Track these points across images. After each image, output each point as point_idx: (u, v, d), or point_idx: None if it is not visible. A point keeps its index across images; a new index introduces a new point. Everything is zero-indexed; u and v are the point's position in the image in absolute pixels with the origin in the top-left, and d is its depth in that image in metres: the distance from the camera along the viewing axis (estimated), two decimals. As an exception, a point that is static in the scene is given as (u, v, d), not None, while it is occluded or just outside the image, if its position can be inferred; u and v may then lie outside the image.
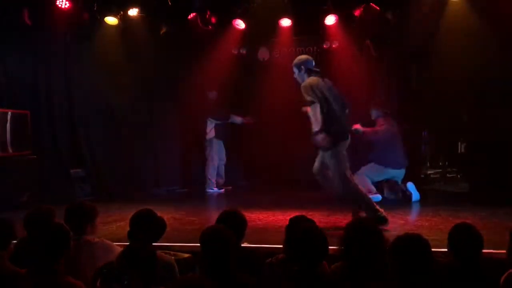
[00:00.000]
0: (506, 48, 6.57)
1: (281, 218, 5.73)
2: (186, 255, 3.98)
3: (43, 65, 7.60)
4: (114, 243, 3.69)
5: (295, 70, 5.43)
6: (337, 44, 8.03)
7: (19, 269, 2.90)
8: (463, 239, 2.88)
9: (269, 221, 5.75)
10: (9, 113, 6.82)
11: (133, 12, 7.53)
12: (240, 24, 7.93)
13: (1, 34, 7.09)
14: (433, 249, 2.60)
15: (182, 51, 8.33)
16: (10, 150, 6.78)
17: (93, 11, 7.49)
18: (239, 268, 2.91)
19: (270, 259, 3.27)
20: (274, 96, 8.28)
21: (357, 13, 7.35)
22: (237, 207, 3.88)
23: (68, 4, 7.16)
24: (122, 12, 7.59)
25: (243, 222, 3.53)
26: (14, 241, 3.39)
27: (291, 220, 3.43)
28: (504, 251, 2.94)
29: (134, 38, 7.84)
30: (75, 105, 7.87)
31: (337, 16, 7.58)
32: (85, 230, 3.54)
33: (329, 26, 7.80)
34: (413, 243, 2.54)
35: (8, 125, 6.75)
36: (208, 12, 7.65)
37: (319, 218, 5.42)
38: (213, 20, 7.74)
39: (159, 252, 3.31)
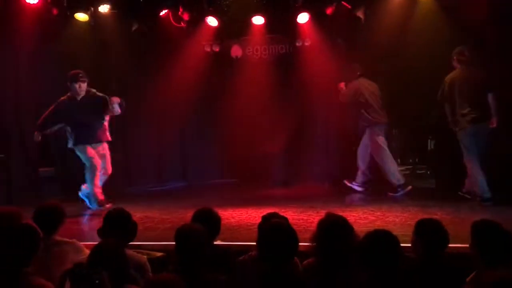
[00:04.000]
0: (473, 46, 6.70)
1: (255, 215, 5.74)
2: (159, 254, 3.96)
3: (10, 62, 7.42)
4: (84, 243, 3.65)
5: None
6: (309, 42, 8.07)
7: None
8: (429, 234, 2.95)
9: (242, 218, 5.76)
10: (-25, 111, 6.66)
11: (104, 8, 7.42)
12: (213, 21, 7.90)
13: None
14: (403, 245, 2.65)
15: (154, 48, 8.26)
16: (-23, 150, 6.63)
17: (63, 7, 7.34)
18: (212, 266, 2.92)
19: (242, 256, 3.28)
20: (246, 93, 8.28)
21: (329, 11, 7.42)
22: (211, 204, 3.88)
23: (36, -1, 7.01)
24: (92, 8, 7.47)
25: (217, 220, 3.53)
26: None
27: (263, 217, 3.44)
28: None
29: (105, 35, 7.73)
30: (43, 103, 7.70)
31: (309, 14, 7.62)
32: (54, 230, 3.49)
33: (302, 24, 7.83)
34: (382, 239, 2.58)
35: (-26, 123, 6.58)
36: (181, 9, 7.60)
37: (292, 215, 5.45)
38: (186, 17, 7.70)
39: (131, 251, 3.29)
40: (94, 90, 6.61)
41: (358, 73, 7.37)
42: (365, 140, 7.36)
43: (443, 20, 6.98)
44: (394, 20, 7.30)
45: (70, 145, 6.57)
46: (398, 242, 2.57)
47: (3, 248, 2.88)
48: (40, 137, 6.54)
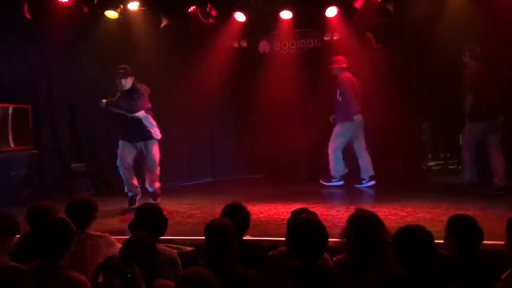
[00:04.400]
0: (506, 39, 6.54)
1: (283, 211, 5.74)
2: (189, 248, 4.00)
3: (43, 60, 7.58)
4: (115, 237, 3.71)
5: None
6: (338, 36, 8.00)
7: (21, 265, 2.90)
8: (463, 231, 2.88)
9: (271, 214, 5.76)
10: (11, 108, 6.82)
11: (133, 5, 7.50)
12: (241, 16, 7.90)
13: (2, 29, 7.08)
14: (435, 241, 2.60)
15: (183, 45, 8.31)
16: (12, 145, 6.79)
17: (93, 5, 7.46)
18: (242, 261, 2.93)
19: (272, 252, 3.28)
20: (274, 89, 8.26)
21: (358, 4, 7.32)
22: (239, 200, 3.89)
23: (67, -2, 7.14)
24: (122, 6, 7.56)
25: (246, 215, 3.54)
26: (18, 236, 3.40)
27: (293, 212, 3.43)
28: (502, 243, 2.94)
29: (134, 31, 7.82)
30: (75, 99, 7.86)
31: (338, 8, 7.55)
32: (87, 224, 3.56)
33: (330, 18, 7.76)
34: (415, 234, 2.54)
35: (9, 120, 6.74)
36: (209, 5, 7.62)
37: (321, 210, 5.40)
38: (214, 13, 7.71)
39: (162, 245, 3.33)
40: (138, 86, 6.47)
41: (344, 66, 7.43)
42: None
43: (475, 11, 6.82)
44: (424, 12, 7.18)
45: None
46: (432, 238, 2.52)
47: (38, 242, 2.96)
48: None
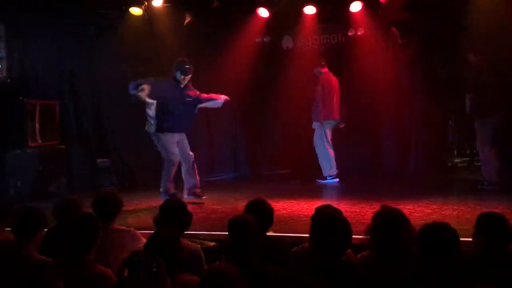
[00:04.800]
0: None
1: (306, 207, 5.72)
2: (212, 244, 4.02)
3: (69, 57, 7.70)
4: (140, 231, 3.75)
5: None
6: (362, 32, 7.93)
7: (47, 259, 2.96)
8: (492, 229, 2.83)
9: (294, 210, 5.74)
10: (38, 104, 6.94)
11: (157, 2, 7.57)
12: (264, 12, 7.89)
13: (29, 27, 7.21)
14: (461, 239, 2.56)
15: (206, 41, 8.34)
16: (39, 140, 6.91)
17: (118, 2, 7.54)
18: (265, 257, 2.93)
19: (295, 248, 3.28)
20: (298, 85, 8.24)
21: (382, -1, 7.26)
22: (262, 196, 3.89)
23: (93, -5, 7.24)
24: (146, 3, 7.63)
25: (270, 211, 3.54)
26: (45, 229, 3.46)
27: (317, 209, 3.42)
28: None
29: (158, 28, 7.88)
30: (100, 96, 7.97)
31: (362, 3, 7.48)
32: (113, 219, 3.60)
33: (354, 13, 7.70)
34: (441, 232, 2.50)
35: (37, 116, 6.87)
36: (232, 1, 7.63)
37: (344, 207, 5.38)
38: (237, 9, 7.72)
39: (186, 240, 3.35)
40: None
41: (323, 63, 7.56)
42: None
43: (504, 6, 6.68)
44: (451, 7, 7.06)
45: (152, 129, 6.34)
46: (457, 236, 2.48)
47: (65, 236, 3.01)
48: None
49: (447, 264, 2.41)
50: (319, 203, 3.89)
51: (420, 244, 2.49)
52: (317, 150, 7.65)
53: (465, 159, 8.38)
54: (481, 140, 6.51)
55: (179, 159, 6.31)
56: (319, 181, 7.58)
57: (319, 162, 7.63)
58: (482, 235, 2.82)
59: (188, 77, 6.34)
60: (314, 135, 7.68)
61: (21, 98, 6.79)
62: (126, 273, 2.52)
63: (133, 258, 2.51)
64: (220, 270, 2.33)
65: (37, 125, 6.85)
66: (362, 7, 7.55)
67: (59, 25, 7.30)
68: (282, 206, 5.83)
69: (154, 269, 2.39)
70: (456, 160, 8.28)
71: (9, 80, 6.98)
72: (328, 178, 7.56)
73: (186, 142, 6.41)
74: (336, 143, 8.22)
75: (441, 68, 7.86)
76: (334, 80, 7.60)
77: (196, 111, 6.58)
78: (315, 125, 7.69)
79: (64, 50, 7.65)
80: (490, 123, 6.47)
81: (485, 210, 3.33)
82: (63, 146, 7.26)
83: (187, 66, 6.29)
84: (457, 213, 5.24)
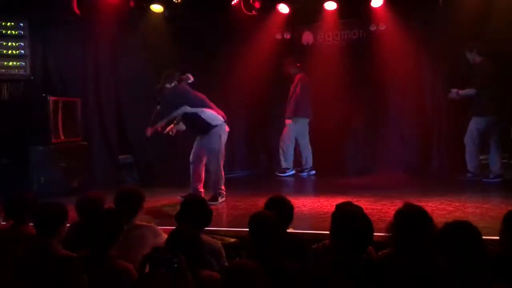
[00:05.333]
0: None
1: (326, 204, 5.69)
2: (232, 240, 4.03)
3: (91, 54, 7.78)
4: (161, 227, 3.78)
5: None
6: (384, 27, 7.85)
7: (72, 253, 3.00)
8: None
9: (314, 207, 5.72)
10: (61, 101, 7.03)
11: (177, -1, 7.60)
12: (284, 8, 7.87)
13: (52, 25, 7.30)
14: (484, 237, 2.52)
15: (226, 37, 8.34)
16: (62, 137, 7.00)
17: (139, -1, 7.60)
18: (285, 253, 2.93)
19: (316, 245, 3.26)
20: (318, 81, 8.19)
21: (404, -6, 7.17)
22: (282, 192, 3.89)
23: (114, -7, 7.30)
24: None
25: (290, 207, 3.54)
26: (68, 225, 3.51)
27: (337, 206, 3.40)
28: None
29: (179, 25, 7.92)
30: (122, 92, 8.04)
31: (383, -2, 7.41)
32: (134, 214, 3.63)
33: (376, 9, 7.62)
34: (463, 230, 2.47)
35: (59, 112, 6.96)
36: (252, -3, 7.63)
37: (365, 204, 5.32)
38: (257, 5, 7.72)
39: (206, 236, 3.36)
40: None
41: (298, 64, 7.93)
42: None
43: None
44: (474, 1, 6.93)
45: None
46: (480, 234, 2.44)
47: (88, 231, 3.05)
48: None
49: (469, 263, 2.37)
50: (340, 200, 3.88)
51: (442, 243, 2.46)
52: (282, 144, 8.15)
53: (488, 156, 8.21)
54: (470, 135, 6.94)
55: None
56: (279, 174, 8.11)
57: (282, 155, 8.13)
58: (508, 233, 2.77)
59: None
60: (287, 130, 8.07)
61: (44, 95, 6.88)
62: (147, 269, 2.55)
63: (154, 254, 2.54)
64: (243, 266, 2.34)
65: (60, 122, 6.94)
66: (384, 2, 7.47)
67: (83, 22, 7.37)
68: (302, 203, 5.80)
69: (175, 265, 2.41)
70: (480, 158, 8.12)
71: (32, 78, 7.09)
72: (287, 171, 8.12)
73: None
74: (358, 139, 8.18)
75: (464, 63, 7.72)
76: (307, 79, 8.01)
77: None
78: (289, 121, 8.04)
79: (87, 47, 7.73)
80: (486, 122, 6.90)
81: (510, 208, 3.27)
82: (85, 143, 7.35)
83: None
84: (481, 211, 5.16)
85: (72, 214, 3.67)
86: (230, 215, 5.46)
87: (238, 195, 6.54)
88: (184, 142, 8.11)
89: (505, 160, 8.07)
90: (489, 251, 2.72)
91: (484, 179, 6.89)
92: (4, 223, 3.78)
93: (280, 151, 8.19)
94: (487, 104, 6.82)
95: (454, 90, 7.02)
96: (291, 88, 8.05)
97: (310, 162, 8.18)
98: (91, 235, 2.99)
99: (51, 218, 3.17)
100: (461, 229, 2.49)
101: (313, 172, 8.15)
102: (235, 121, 8.91)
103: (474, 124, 6.95)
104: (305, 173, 8.17)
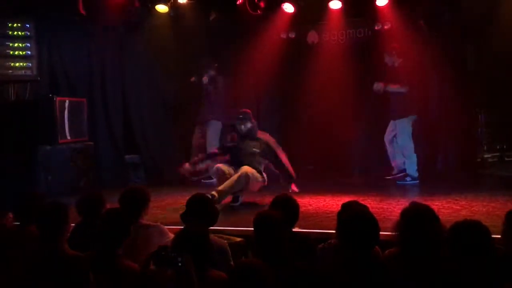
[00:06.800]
0: None
1: (332, 203, 5.69)
2: (239, 239, 4.03)
3: (97, 54, 7.81)
4: (168, 227, 3.79)
5: None
6: (389, 25, 7.81)
7: (79, 253, 3.01)
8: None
9: (320, 206, 5.71)
10: (67, 101, 7.07)
11: (182, -1, 7.61)
12: (289, 7, 7.85)
13: (58, 25, 7.34)
14: (492, 236, 2.51)
15: (231, 37, 8.35)
16: (68, 137, 7.04)
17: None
18: (291, 253, 2.93)
19: (322, 244, 3.26)
20: (323, 80, 8.18)
21: (409, -8, 7.15)
22: (288, 191, 3.89)
23: (120, -7, 7.32)
24: (172, 0, 7.68)
25: (296, 206, 3.54)
26: (72, 225, 3.52)
27: (343, 205, 3.40)
28: None
29: (184, 25, 7.93)
30: (128, 93, 8.07)
31: (389, -3, 7.38)
32: (140, 214, 3.64)
33: (381, 7, 7.60)
34: (472, 230, 2.46)
35: (66, 112, 6.99)
36: (257, -3, 7.63)
37: (371, 203, 5.34)
38: (262, 4, 7.71)
39: (213, 235, 3.37)
40: None
41: (216, 65, 7.76)
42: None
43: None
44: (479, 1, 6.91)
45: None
46: (489, 233, 2.43)
47: (94, 231, 3.06)
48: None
49: (477, 263, 2.37)
50: (346, 199, 3.87)
51: (450, 243, 2.45)
52: None
53: (495, 154, 8.19)
54: (408, 135, 7.04)
55: None
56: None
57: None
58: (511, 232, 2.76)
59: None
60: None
61: (50, 95, 6.92)
62: (152, 267, 2.56)
63: (160, 253, 2.55)
64: (248, 265, 2.34)
65: (66, 122, 6.98)
66: (389, 1, 7.44)
67: (89, 23, 7.40)
68: (308, 202, 5.81)
69: (179, 264, 2.41)
70: (486, 156, 8.10)
71: (39, 78, 7.12)
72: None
73: None
74: (363, 138, 8.15)
75: (472, 61, 7.70)
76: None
77: None
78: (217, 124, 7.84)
79: (93, 47, 7.76)
80: (412, 120, 7.05)
81: (516, 206, 3.26)
82: (91, 142, 7.38)
83: None
84: (487, 210, 5.14)
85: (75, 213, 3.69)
86: (236, 214, 5.46)
87: (245, 194, 6.53)
88: (190, 142, 8.17)
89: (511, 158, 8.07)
90: (498, 251, 2.72)
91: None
92: (15, 223, 3.80)
93: None
94: (411, 104, 7.00)
95: (380, 84, 7.10)
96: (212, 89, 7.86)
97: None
98: (98, 235, 3.00)
99: (53, 219, 3.16)
100: (471, 228, 2.48)
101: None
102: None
103: (407, 126, 7.03)
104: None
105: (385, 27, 7.86)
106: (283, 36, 8.45)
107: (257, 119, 9.01)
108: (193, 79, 7.81)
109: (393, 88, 7.04)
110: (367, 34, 8.26)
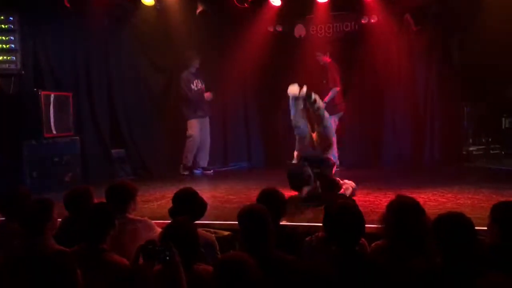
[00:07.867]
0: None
1: (320, 196, 5.69)
2: (226, 233, 4.04)
3: (83, 48, 7.72)
4: (155, 221, 3.78)
5: None
6: (375, 19, 7.85)
7: (64, 248, 2.99)
8: (508, 218, 2.79)
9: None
10: (52, 95, 6.99)
11: (168, -8, 7.56)
12: (276, 1, 7.84)
13: (43, 18, 7.23)
14: (476, 228, 2.54)
15: (218, 31, 8.32)
16: (54, 131, 6.97)
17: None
18: (278, 246, 2.93)
19: (309, 237, 3.28)
20: (311, 73, 8.18)
21: (395, -14, 7.17)
22: (275, 185, 3.89)
23: (105, -14, 7.23)
24: (158, -8, 7.63)
25: (283, 200, 3.54)
26: (59, 220, 3.49)
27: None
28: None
29: (171, 18, 7.88)
30: (114, 86, 8.00)
31: (375, -10, 7.40)
32: (127, 208, 3.62)
33: (368, 1, 7.62)
34: (456, 221, 2.48)
35: (51, 107, 6.92)
36: (244, -10, 7.60)
37: (359, 196, 5.38)
38: (249, -3, 7.69)
39: (200, 229, 3.36)
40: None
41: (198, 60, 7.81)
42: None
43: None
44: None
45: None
46: (472, 225, 2.46)
47: (80, 226, 3.04)
48: None
49: (462, 254, 2.40)
50: (333, 192, 3.88)
51: (435, 234, 2.48)
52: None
53: (480, 147, 8.29)
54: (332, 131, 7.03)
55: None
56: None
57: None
58: (496, 225, 2.79)
59: None
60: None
61: (35, 89, 6.84)
62: (140, 261, 2.55)
63: (147, 247, 2.54)
64: (234, 258, 2.34)
65: (52, 116, 6.90)
66: (375, -6, 7.47)
67: (74, 16, 7.31)
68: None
69: (167, 258, 2.42)
70: (471, 149, 8.19)
71: (23, 72, 7.03)
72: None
73: None
74: (351, 132, 8.19)
75: (456, 55, 7.76)
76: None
77: None
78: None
79: (79, 41, 7.68)
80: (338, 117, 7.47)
81: (500, 199, 3.30)
82: (77, 137, 7.31)
83: None
84: (472, 202, 5.20)
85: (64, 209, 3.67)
86: (224, 208, 5.46)
87: (232, 188, 6.55)
88: (178, 136, 8.14)
89: (496, 151, 8.17)
90: (482, 243, 2.75)
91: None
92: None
93: None
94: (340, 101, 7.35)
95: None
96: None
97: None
98: (83, 229, 2.98)
99: (37, 215, 3.13)
100: (454, 221, 2.51)
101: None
102: (228, 114, 8.93)
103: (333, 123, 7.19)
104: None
105: (372, 20, 7.89)
106: (270, 29, 8.45)
107: (245, 113, 9.07)
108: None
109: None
110: (354, 27, 8.28)
